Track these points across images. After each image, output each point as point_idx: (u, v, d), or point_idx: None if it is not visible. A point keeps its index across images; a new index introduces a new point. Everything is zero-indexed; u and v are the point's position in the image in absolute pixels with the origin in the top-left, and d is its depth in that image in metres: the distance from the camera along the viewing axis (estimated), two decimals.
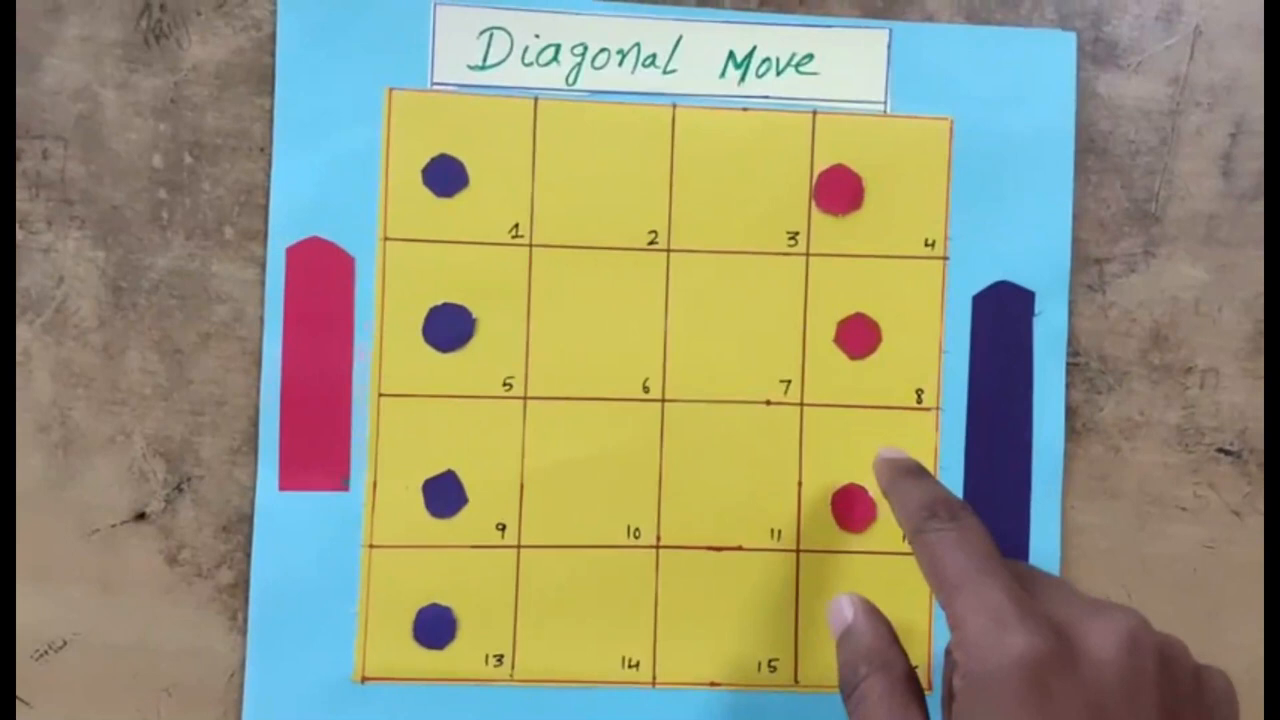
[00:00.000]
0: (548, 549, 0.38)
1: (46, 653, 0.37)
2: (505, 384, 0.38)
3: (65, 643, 0.37)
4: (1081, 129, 0.38)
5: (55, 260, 0.38)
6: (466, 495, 0.37)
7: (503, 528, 0.38)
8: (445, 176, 0.38)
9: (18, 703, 0.37)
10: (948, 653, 0.27)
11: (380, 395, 0.38)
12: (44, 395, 0.38)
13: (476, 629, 0.37)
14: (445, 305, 0.38)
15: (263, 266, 0.38)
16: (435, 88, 0.38)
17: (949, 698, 0.26)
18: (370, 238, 0.38)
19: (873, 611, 0.30)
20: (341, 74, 0.37)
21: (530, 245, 0.38)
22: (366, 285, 0.37)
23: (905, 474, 0.31)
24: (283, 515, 0.37)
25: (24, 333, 0.38)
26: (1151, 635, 0.26)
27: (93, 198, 0.38)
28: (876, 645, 0.29)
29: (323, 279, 0.37)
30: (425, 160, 0.38)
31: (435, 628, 0.37)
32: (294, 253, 0.37)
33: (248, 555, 0.37)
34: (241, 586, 0.37)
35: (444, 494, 0.37)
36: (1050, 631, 0.25)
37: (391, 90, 0.38)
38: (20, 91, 0.37)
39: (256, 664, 0.37)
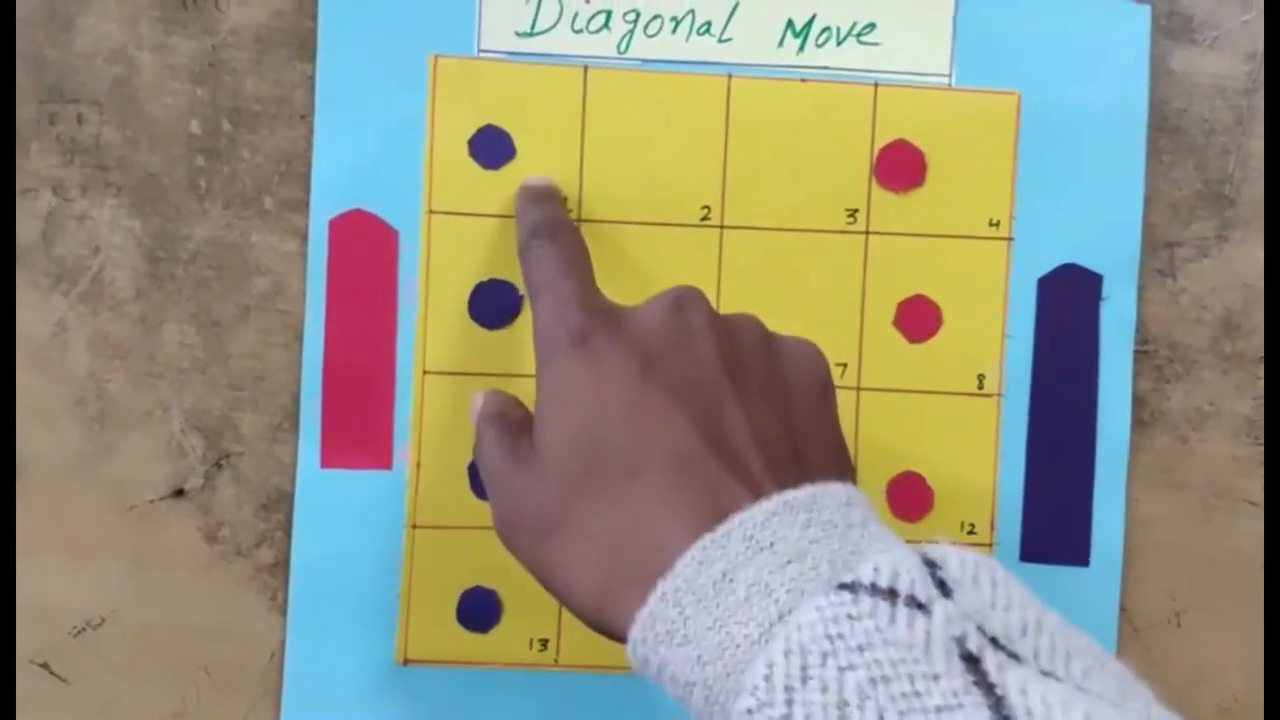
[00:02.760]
0: None
1: (84, 630, 0.37)
2: None
3: (103, 620, 0.37)
4: (1154, 107, 0.37)
5: (91, 229, 0.37)
6: None
7: None
8: (492, 148, 0.37)
9: (55, 680, 0.37)
10: None
11: (425, 373, 0.37)
12: (80, 367, 0.37)
13: (521, 612, 0.36)
14: (491, 281, 0.37)
15: (303, 238, 0.37)
16: (482, 55, 0.36)
17: None
18: (414, 211, 0.36)
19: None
20: (385, 39, 0.36)
21: (579, 220, 0.37)
22: (410, 260, 0.36)
23: (531, 199, 0.34)
24: (325, 493, 0.36)
25: (59, 303, 0.37)
26: (702, 301, 0.30)
27: (129, 164, 0.37)
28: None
29: (366, 253, 0.36)
30: (471, 131, 0.36)
31: (479, 610, 0.37)
32: (336, 226, 0.36)
33: (287, 534, 0.37)
34: (281, 566, 0.37)
35: None
36: (605, 311, 0.29)
37: (437, 58, 0.36)
38: (53, 54, 0.36)
39: (297, 644, 0.36)
